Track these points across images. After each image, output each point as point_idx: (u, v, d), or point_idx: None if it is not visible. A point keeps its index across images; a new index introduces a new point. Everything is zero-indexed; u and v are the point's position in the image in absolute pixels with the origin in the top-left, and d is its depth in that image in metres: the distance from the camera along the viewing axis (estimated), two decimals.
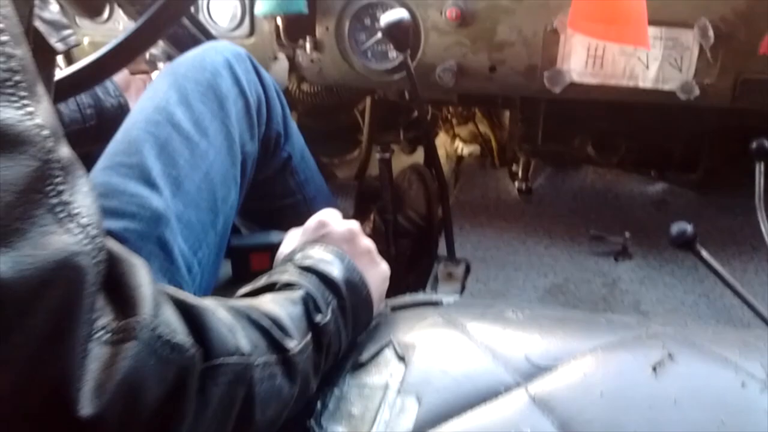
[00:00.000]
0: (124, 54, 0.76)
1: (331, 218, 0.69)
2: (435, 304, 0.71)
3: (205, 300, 0.49)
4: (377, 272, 0.69)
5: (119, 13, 1.24)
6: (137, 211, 0.71)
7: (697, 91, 1.06)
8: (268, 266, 0.90)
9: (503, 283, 1.24)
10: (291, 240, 0.71)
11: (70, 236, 0.36)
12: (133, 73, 1.11)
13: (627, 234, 1.27)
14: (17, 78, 0.36)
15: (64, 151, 0.39)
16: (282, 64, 1.21)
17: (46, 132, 0.37)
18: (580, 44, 1.07)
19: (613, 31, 0.97)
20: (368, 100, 1.53)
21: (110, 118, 0.98)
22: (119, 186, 0.72)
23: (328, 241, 0.66)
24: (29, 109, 0.36)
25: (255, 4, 1.15)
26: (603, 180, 1.48)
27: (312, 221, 0.69)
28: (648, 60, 1.06)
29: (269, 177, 0.98)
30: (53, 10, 0.67)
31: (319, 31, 1.19)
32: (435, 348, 0.61)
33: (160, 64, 1.13)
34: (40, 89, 0.39)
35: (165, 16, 0.76)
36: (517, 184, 1.49)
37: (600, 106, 1.24)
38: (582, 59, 1.08)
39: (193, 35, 1.04)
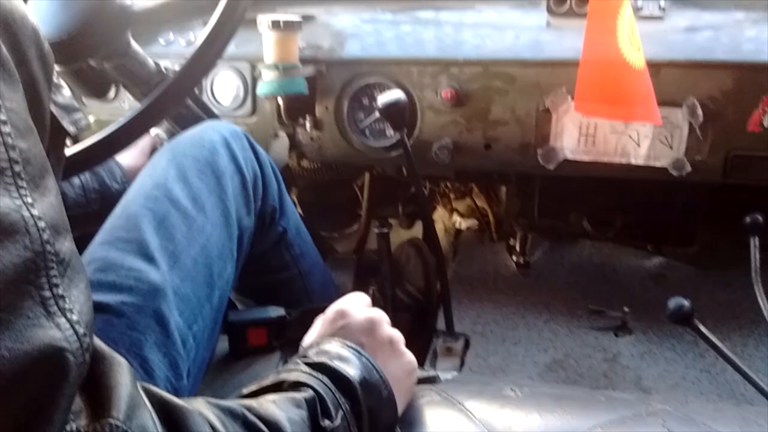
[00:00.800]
0: (130, 133, 0.78)
1: (351, 307, 0.66)
2: (432, 380, 0.70)
3: (196, 401, 0.48)
4: (401, 366, 0.65)
5: (125, 93, 1.28)
6: (135, 284, 0.71)
7: (688, 168, 1.08)
8: (265, 342, 0.90)
9: (503, 358, 1.23)
10: (313, 328, 0.68)
11: (59, 332, 0.36)
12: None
13: (626, 308, 1.27)
14: (17, 169, 0.36)
15: (65, 245, 0.39)
16: (282, 141, 1.24)
17: (42, 224, 0.37)
18: (571, 123, 1.10)
19: (620, 110, 1.00)
20: (367, 176, 1.56)
21: (113, 203, 1.00)
22: (117, 260, 0.73)
23: (347, 333, 0.63)
24: (27, 200, 0.36)
25: (257, 84, 1.18)
26: (600, 254, 1.49)
27: (330, 311, 0.66)
28: (639, 138, 1.09)
29: (265, 251, 0.99)
30: (65, 95, 0.70)
31: (318, 110, 1.22)
32: (432, 427, 0.60)
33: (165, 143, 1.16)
34: (47, 182, 0.39)
35: (169, 98, 0.79)
36: (514, 258, 1.50)
37: (595, 182, 1.26)
38: (574, 137, 1.11)
39: (197, 115, 1.07)
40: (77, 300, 0.38)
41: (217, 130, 0.91)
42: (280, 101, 1.20)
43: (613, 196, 1.43)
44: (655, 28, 1.09)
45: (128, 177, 1.05)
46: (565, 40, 1.09)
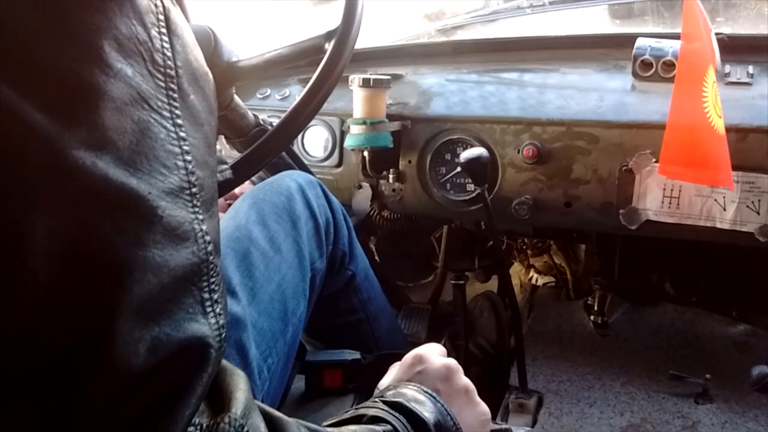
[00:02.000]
0: (234, 179, 0.85)
1: (428, 353, 0.67)
2: None
3: (288, 418, 0.51)
4: (474, 414, 0.65)
5: (221, 141, 1.37)
6: None
7: None
8: (341, 384, 0.93)
9: (577, 419, 1.21)
10: (389, 373, 0.71)
11: (209, 329, 0.41)
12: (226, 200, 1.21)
13: (708, 375, 1.23)
14: (194, 190, 0.42)
15: (219, 262, 0.44)
16: (365, 192, 1.29)
17: (208, 238, 0.42)
18: (655, 184, 1.10)
19: (704, 174, 0.99)
20: (445, 228, 1.58)
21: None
22: None
23: (424, 379, 0.64)
24: (200, 216, 0.42)
25: (345, 138, 1.25)
26: (682, 318, 1.45)
27: (409, 356, 0.67)
28: (725, 202, 1.07)
29: (334, 294, 1.04)
30: (217, 148, 0.77)
31: (402, 163, 1.27)
32: None
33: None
34: (214, 209, 0.45)
35: (269, 149, 0.85)
36: (592, 317, 1.48)
37: (678, 244, 1.24)
38: (658, 199, 1.10)
39: (288, 164, 1.13)
40: (223, 309, 0.44)
41: (293, 178, 0.99)
42: (366, 154, 1.26)
43: (697, 259, 1.40)
44: (743, 94, 1.09)
45: None
46: (650, 103, 1.10)
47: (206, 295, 0.41)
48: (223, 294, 0.44)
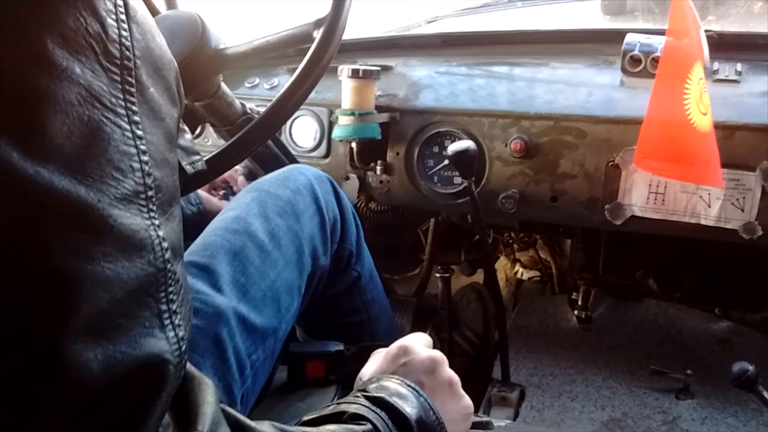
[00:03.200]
0: (216, 168, 0.84)
1: (413, 345, 0.66)
2: (485, 426, 0.71)
3: (263, 424, 0.50)
4: (458, 408, 0.65)
5: (208, 130, 1.36)
6: (200, 306, 0.74)
7: (759, 232, 1.06)
8: (324, 375, 0.93)
9: (558, 413, 1.22)
10: (372, 361, 0.69)
11: (167, 344, 0.39)
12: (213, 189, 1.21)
13: (689, 371, 1.24)
14: (150, 194, 0.40)
15: (179, 267, 0.42)
16: (353, 183, 1.29)
17: (165, 245, 0.40)
18: (641, 180, 1.10)
19: (680, 170, 1.00)
20: (432, 221, 1.58)
21: (189, 224, 1.06)
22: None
23: (408, 371, 0.63)
24: (156, 222, 0.40)
25: (333, 128, 1.24)
26: (665, 314, 1.46)
27: (394, 347, 0.66)
28: (710, 199, 1.08)
29: (338, 293, 1.03)
30: (187, 138, 0.75)
31: (389, 155, 1.27)
32: None
33: (241, 179, 1.22)
34: (174, 210, 0.43)
35: (254, 138, 0.84)
36: (576, 312, 1.49)
37: (663, 240, 1.25)
38: (643, 195, 1.11)
39: (275, 154, 1.13)
40: (184, 318, 0.42)
41: (303, 173, 0.97)
42: (354, 145, 1.25)
43: (681, 256, 1.41)
44: (731, 92, 1.09)
45: (203, 201, 1.11)
46: (638, 99, 1.10)
47: (164, 307, 0.40)
48: (184, 301, 0.42)
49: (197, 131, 1.36)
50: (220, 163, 0.83)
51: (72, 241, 0.34)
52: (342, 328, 1.05)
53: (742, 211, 1.07)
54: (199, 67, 0.90)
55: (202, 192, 1.14)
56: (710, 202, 1.08)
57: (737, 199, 1.07)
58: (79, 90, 0.36)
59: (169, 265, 0.40)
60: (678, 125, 0.97)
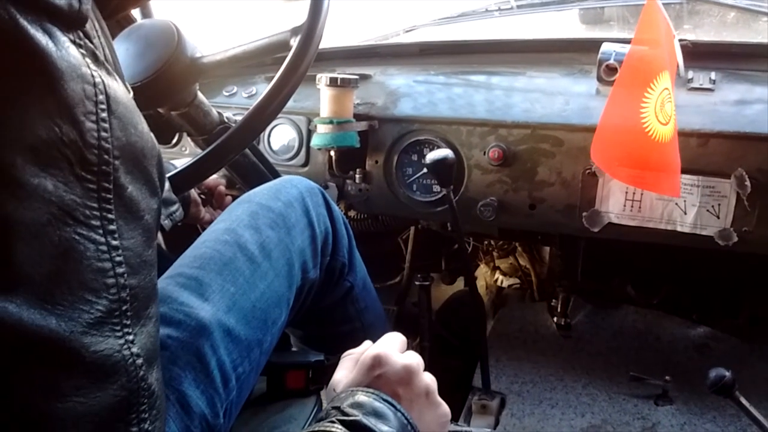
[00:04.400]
0: (194, 176, 0.83)
1: (388, 354, 0.63)
2: None
3: None
4: (435, 417, 0.63)
5: (186, 139, 1.35)
6: (183, 319, 0.73)
7: (735, 238, 1.07)
8: (303, 385, 0.92)
9: (539, 420, 1.22)
10: (344, 367, 0.67)
11: None
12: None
13: (667, 377, 1.25)
14: (125, 308, 0.38)
15: (154, 376, 0.40)
16: (332, 192, 1.28)
17: (140, 361, 0.39)
18: (617, 187, 1.11)
19: (631, 174, 1.02)
20: (412, 230, 1.58)
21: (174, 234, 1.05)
22: (173, 294, 0.75)
23: (383, 384, 0.61)
24: (129, 337, 0.38)
25: (312, 137, 1.24)
26: (644, 320, 1.47)
27: (368, 357, 0.63)
28: (686, 206, 1.09)
29: (331, 305, 1.03)
30: (165, 188, 0.74)
31: (368, 163, 1.27)
32: None
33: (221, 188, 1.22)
34: (150, 311, 0.41)
35: (231, 147, 0.84)
36: (555, 319, 1.49)
37: (640, 247, 1.26)
38: (620, 202, 1.12)
39: (253, 163, 1.12)
40: (159, 428, 0.40)
41: (294, 185, 0.97)
42: (332, 153, 1.25)
43: (658, 262, 1.42)
44: (705, 100, 1.11)
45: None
46: None
47: (134, 429, 0.38)
48: (159, 413, 0.40)
49: (174, 140, 1.35)
50: (198, 171, 0.83)
51: (41, 379, 0.32)
52: (336, 337, 1.04)
53: (718, 217, 1.08)
54: (175, 76, 0.89)
55: None
56: (686, 209, 1.09)
57: (712, 206, 1.08)
58: (49, 209, 0.34)
59: (143, 383, 0.39)
60: (632, 131, 0.99)
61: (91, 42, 0.40)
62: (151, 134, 0.46)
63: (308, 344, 1.06)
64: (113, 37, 0.93)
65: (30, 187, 0.33)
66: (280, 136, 1.32)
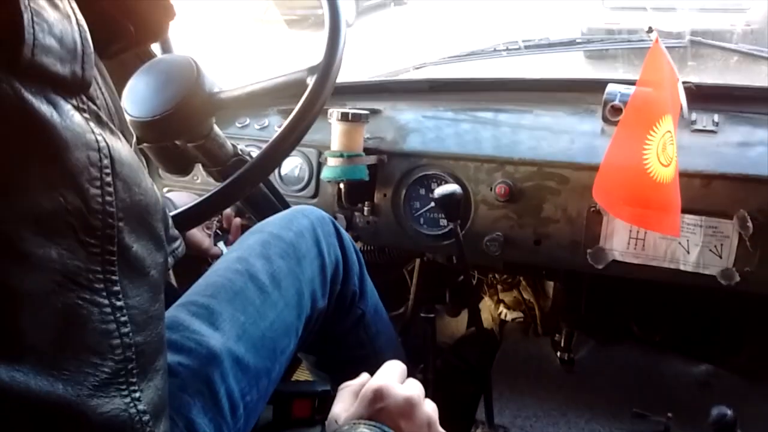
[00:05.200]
0: (209, 210, 0.85)
1: (389, 387, 0.63)
2: None
3: None
4: None
5: (198, 169, 1.37)
6: (194, 347, 0.74)
7: (737, 278, 1.08)
8: (309, 414, 0.93)
9: None
10: (343, 398, 0.68)
11: None
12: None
13: (670, 414, 1.25)
14: (131, 366, 0.39)
15: (161, 429, 0.40)
16: (340, 223, 1.30)
17: (147, 417, 0.39)
18: (622, 226, 1.13)
19: (632, 213, 1.03)
20: (417, 262, 1.60)
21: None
22: (185, 321, 0.77)
23: (385, 417, 0.61)
24: (135, 395, 0.38)
25: (322, 169, 1.26)
26: (647, 357, 1.48)
27: (369, 391, 0.64)
28: (689, 245, 1.11)
29: (344, 331, 1.04)
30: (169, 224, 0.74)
31: (377, 196, 1.29)
32: None
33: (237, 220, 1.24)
34: (157, 364, 0.42)
35: (247, 180, 0.86)
36: (559, 353, 1.50)
37: (644, 284, 1.27)
38: (624, 240, 1.13)
39: (265, 195, 1.14)
40: None
41: (306, 215, 0.99)
42: (342, 186, 1.27)
43: (661, 300, 1.43)
44: (708, 142, 1.13)
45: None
46: None
47: None
48: None
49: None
50: (214, 203, 0.85)
51: None
52: (348, 363, 1.04)
53: (720, 257, 1.09)
54: (193, 110, 0.92)
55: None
56: (689, 249, 1.11)
57: (715, 246, 1.09)
58: (53, 277, 0.34)
59: None
60: (634, 172, 1.01)
61: (95, 103, 0.40)
62: (155, 188, 0.46)
63: (321, 369, 1.08)
64: (133, 71, 0.96)
65: (35, 257, 0.33)
66: (291, 167, 1.34)
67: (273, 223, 0.96)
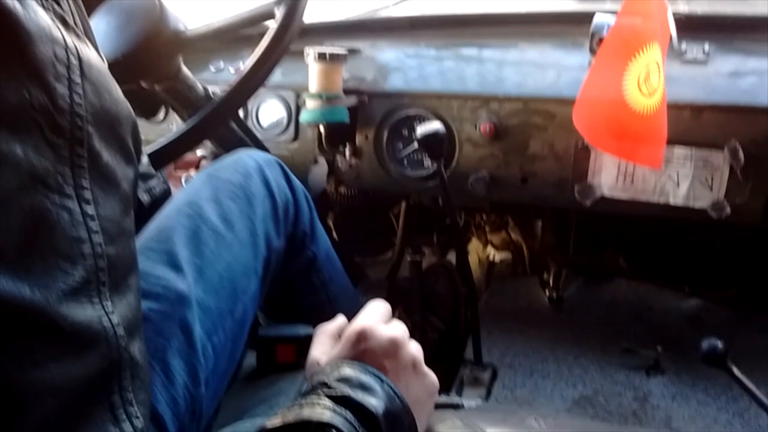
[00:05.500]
0: (175, 150, 0.82)
1: (372, 328, 0.62)
2: (456, 406, 0.70)
3: None
4: (423, 387, 0.63)
5: (173, 115, 1.33)
6: (162, 292, 0.74)
7: (728, 210, 1.07)
8: (294, 359, 0.92)
9: (530, 392, 1.22)
10: (321, 342, 0.67)
11: None
12: (176, 169, 1.18)
13: (659, 348, 1.25)
14: (103, 277, 0.38)
15: (136, 346, 0.40)
16: (321, 168, 1.27)
17: (121, 330, 0.38)
18: (610, 160, 1.10)
19: (613, 144, 1.01)
20: (403, 205, 1.58)
21: (156, 202, 1.04)
22: (147, 269, 0.75)
23: (368, 357, 0.60)
24: (108, 307, 0.38)
25: (300, 112, 1.22)
26: (636, 293, 1.47)
27: (352, 332, 0.62)
28: (679, 178, 1.09)
29: (294, 275, 1.03)
30: (144, 162, 0.72)
31: (358, 139, 1.25)
32: None
33: (204, 162, 1.20)
34: (130, 281, 0.41)
35: (212, 120, 0.82)
36: (547, 292, 1.50)
37: (632, 220, 1.26)
38: (612, 175, 1.11)
39: (241, 138, 1.11)
40: (143, 403, 0.39)
41: (252, 157, 0.96)
42: (322, 129, 1.24)
43: (650, 235, 1.42)
44: (699, 72, 1.10)
45: (166, 177, 1.09)
46: None
47: (117, 400, 0.38)
48: (143, 384, 0.40)
49: (161, 116, 1.33)
50: (182, 141, 0.81)
51: (17, 348, 0.32)
52: (302, 311, 1.04)
53: (711, 190, 1.07)
54: (158, 48, 0.88)
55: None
56: (679, 182, 1.09)
57: (706, 178, 1.07)
58: (20, 175, 0.33)
59: (124, 353, 0.38)
60: (613, 102, 0.98)
61: (60, 6, 0.39)
62: (127, 102, 0.45)
63: (274, 318, 1.06)
64: (92, 10, 0.91)
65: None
66: (269, 111, 1.30)
67: (219, 166, 0.94)
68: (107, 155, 0.40)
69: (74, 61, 0.38)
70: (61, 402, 0.34)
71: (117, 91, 0.43)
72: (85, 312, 0.36)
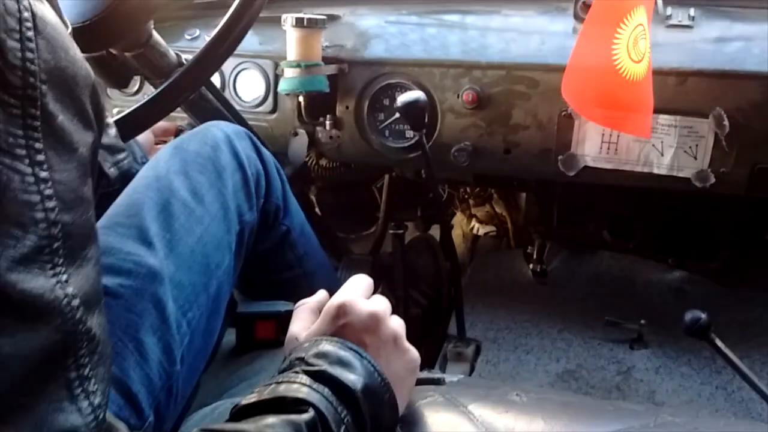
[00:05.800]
0: (145, 118, 0.79)
1: (352, 302, 0.60)
2: (437, 382, 0.69)
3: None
4: (403, 363, 0.61)
5: (148, 86, 1.29)
6: (133, 268, 0.72)
7: (712, 179, 1.05)
8: (274, 336, 0.90)
9: (514, 366, 1.21)
10: (301, 317, 0.65)
11: (80, 417, 0.36)
12: (157, 143, 1.15)
13: (643, 321, 1.25)
14: (57, 245, 0.36)
15: (95, 320, 0.38)
16: (302, 139, 1.24)
17: (76, 302, 0.36)
18: (594, 130, 1.09)
19: (600, 113, 0.99)
20: (386, 178, 1.55)
21: (125, 177, 1.01)
22: (117, 244, 0.74)
23: (348, 333, 0.58)
24: (63, 277, 0.36)
25: (279, 82, 1.19)
26: (619, 265, 1.47)
27: (332, 307, 0.60)
28: (663, 147, 1.07)
29: (268, 249, 1.01)
30: (111, 134, 0.68)
31: (339, 109, 1.22)
32: (433, 428, 0.59)
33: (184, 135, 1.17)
34: (88, 252, 0.39)
35: (182, 86, 0.79)
36: (531, 266, 1.49)
37: (616, 191, 1.24)
38: (596, 144, 1.09)
39: (217, 109, 1.07)
40: (101, 379, 0.38)
41: (221, 129, 0.94)
42: (301, 99, 1.20)
43: (634, 206, 1.41)
44: (684, 37, 1.08)
45: (147, 157, 1.06)
46: None
47: (73, 375, 0.36)
48: (101, 359, 0.38)
49: (135, 87, 1.29)
50: (148, 114, 0.78)
51: None
52: (277, 286, 1.02)
53: (695, 158, 1.06)
54: (126, 13, 0.84)
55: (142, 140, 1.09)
56: (663, 151, 1.07)
57: (690, 147, 1.06)
58: None
59: (80, 326, 0.37)
60: (603, 70, 0.96)
61: None
62: (86, 63, 0.42)
63: (249, 294, 1.04)
64: None
65: None
66: (246, 81, 1.27)
67: (187, 139, 0.91)
68: (63, 117, 0.38)
69: (27, 14, 0.36)
70: (13, 376, 0.32)
71: (75, 50, 0.41)
72: (36, 281, 0.34)
